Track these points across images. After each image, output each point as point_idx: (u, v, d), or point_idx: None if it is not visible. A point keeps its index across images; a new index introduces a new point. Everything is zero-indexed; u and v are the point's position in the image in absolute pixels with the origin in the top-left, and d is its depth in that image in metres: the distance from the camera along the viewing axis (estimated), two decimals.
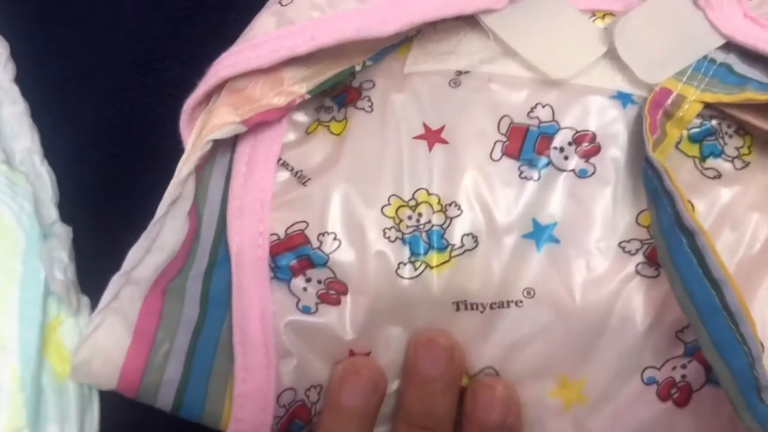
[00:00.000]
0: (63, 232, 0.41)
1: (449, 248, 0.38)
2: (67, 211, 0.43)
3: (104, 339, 0.38)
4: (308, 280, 0.38)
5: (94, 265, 0.40)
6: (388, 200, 0.39)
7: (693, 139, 0.39)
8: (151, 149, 0.45)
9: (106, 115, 0.47)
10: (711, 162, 0.39)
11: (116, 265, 0.39)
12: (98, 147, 0.47)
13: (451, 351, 0.37)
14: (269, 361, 0.38)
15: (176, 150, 0.41)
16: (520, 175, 0.39)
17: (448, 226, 0.38)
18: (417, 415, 0.38)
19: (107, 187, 0.46)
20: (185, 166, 0.38)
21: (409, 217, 0.38)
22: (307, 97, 0.40)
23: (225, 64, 0.39)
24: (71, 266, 0.41)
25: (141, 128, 0.46)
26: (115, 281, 0.38)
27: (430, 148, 0.39)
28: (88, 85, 0.48)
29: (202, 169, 0.40)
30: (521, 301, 0.38)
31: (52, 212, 0.43)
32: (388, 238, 0.38)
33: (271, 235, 0.39)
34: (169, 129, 0.42)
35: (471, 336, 0.38)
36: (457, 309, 0.38)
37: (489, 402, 0.37)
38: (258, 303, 0.38)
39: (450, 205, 0.38)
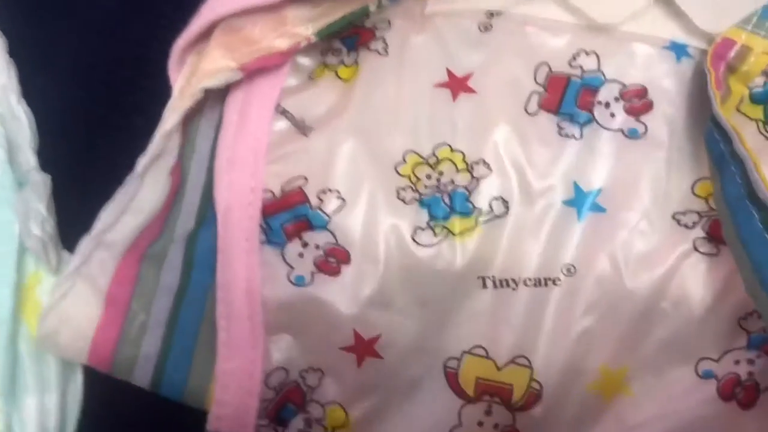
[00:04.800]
0: (40, 181, 0.34)
1: (475, 213, 0.31)
2: (46, 157, 0.36)
3: (72, 308, 0.31)
4: (305, 245, 0.31)
5: (76, 217, 0.33)
6: (404, 157, 0.31)
7: (756, 99, 0.32)
8: (140, 88, 0.37)
9: (90, 49, 0.39)
10: None
11: None
12: (82, 86, 0.39)
13: None
14: (256, 339, 0.30)
15: (170, 90, 0.34)
16: (559, 132, 0.31)
17: (475, 187, 0.31)
18: None
19: (91, 130, 0.38)
20: (170, 117, 0.31)
21: (428, 176, 0.31)
22: (314, 40, 0.33)
23: (221, 0, 0.32)
24: (50, 219, 0.34)
25: (129, 65, 0.38)
26: (85, 244, 0.31)
27: (455, 97, 0.32)
28: (71, 16, 0.39)
29: (189, 120, 0.32)
30: (559, 279, 0.30)
31: (29, 158, 0.35)
32: (403, 199, 0.31)
33: (265, 191, 0.32)
34: (161, 66, 0.34)
35: (499, 318, 0.30)
36: (484, 285, 0.31)
37: None
38: (245, 272, 0.31)
39: (477, 163, 0.31)
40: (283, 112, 0.33)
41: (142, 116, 0.35)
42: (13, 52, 0.38)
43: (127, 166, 0.32)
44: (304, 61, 0.35)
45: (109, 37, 0.39)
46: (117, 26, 0.39)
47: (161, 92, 0.34)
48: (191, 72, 0.33)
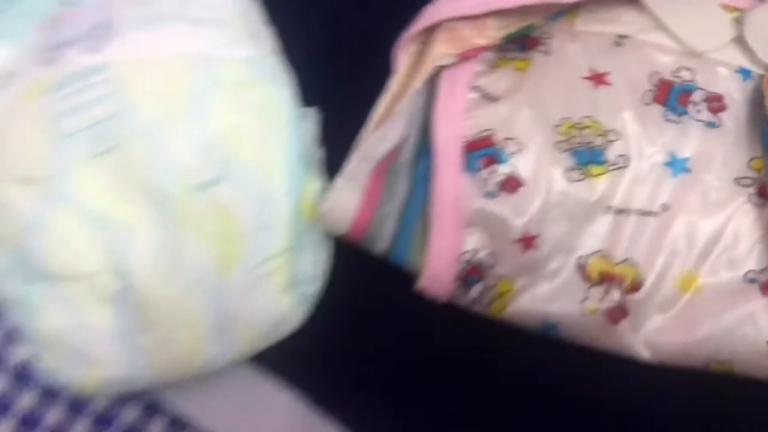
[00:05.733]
0: (315, 115, 0.49)
1: (606, 163, 0.46)
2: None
3: (342, 197, 0.45)
4: (492, 173, 0.46)
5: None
6: (560, 121, 0.46)
7: None
8: (368, 67, 0.51)
9: (330, 35, 0.54)
10: None
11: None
12: (323, 63, 0.53)
13: None
14: (456, 229, 0.45)
15: (385, 69, 0.49)
16: (664, 117, 0.47)
17: (607, 147, 0.46)
18: None
19: (331, 91, 0.51)
20: (417, 80, 0.46)
21: (575, 137, 0.46)
22: (500, 42, 0.48)
23: (446, 9, 0.48)
24: (318, 141, 0.48)
25: (361, 46, 0.53)
26: (355, 156, 0.45)
27: (596, 87, 0.47)
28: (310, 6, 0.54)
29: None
30: (657, 213, 0.45)
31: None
32: (559, 148, 0.46)
33: (466, 136, 0.46)
34: (382, 49, 0.49)
35: (616, 234, 0.45)
36: (607, 212, 0.45)
37: None
38: (452, 185, 0.45)
39: (609, 131, 0.46)
40: (474, 87, 0.49)
41: (370, 86, 0.50)
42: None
43: (356, 116, 0.47)
44: (489, 55, 0.50)
45: (344, 25, 0.54)
46: (350, 17, 0.55)
47: (382, 70, 0.49)
48: (418, 54, 0.49)
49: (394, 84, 0.48)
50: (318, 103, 0.50)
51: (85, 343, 0.44)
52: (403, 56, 0.49)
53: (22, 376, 0.47)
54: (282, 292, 0.45)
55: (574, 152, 0.46)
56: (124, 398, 0.46)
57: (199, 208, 0.44)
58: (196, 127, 0.44)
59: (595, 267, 0.45)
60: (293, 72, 0.50)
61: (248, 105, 0.46)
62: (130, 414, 0.46)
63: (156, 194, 0.44)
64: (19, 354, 0.47)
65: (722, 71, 0.48)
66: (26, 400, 0.46)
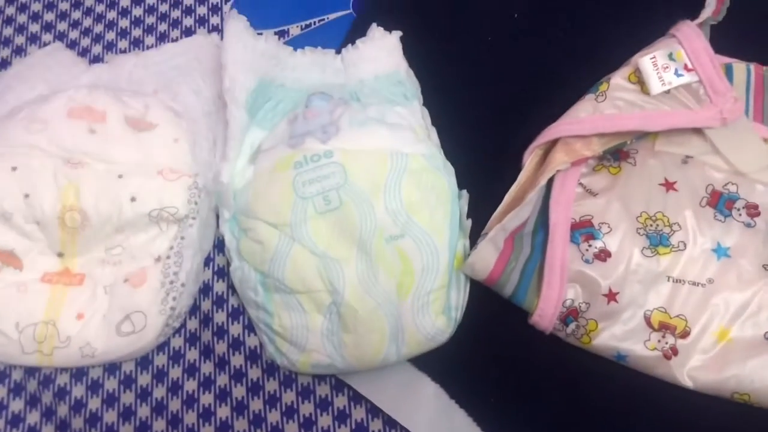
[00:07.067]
0: (466, 195, 0.68)
1: (670, 246, 0.65)
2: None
3: (483, 254, 0.64)
4: (589, 246, 0.65)
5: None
6: (640, 214, 0.66)
7: None
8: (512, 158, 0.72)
9: (479, 136, 0.75)
10: None
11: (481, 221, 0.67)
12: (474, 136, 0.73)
13: None
14: (561, 283, 0.64)
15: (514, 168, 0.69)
16: (714, 217, 0.65)
17: (671, 234, 0.65)
18: None
19: (479, 176, 0.72)
20: (541, 178, 0.65)
21: (650, 225, 0.65)
22: (600, 153, 0.67)
23: (563, 129, 0.67)
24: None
25: (502, 148, 0.73)
26: (496, 228, 0.65)
27: (667, 191, 0.66)
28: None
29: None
30: (704, 284, 0.64)
31: None
32: (638, 232, 0.65)
33: (572, 219, 0.66)
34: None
35: (673, 296, 0.64)
36: (668, 280, 0.64)
37: None
38: (561, 253, 0.65)
39: (674, 224, 0.65)
40: (580, 184, 0.68)
41: (501, 178, 0.69)
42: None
43: (491, 198, 0.67)
44: (591, 161, 0.70)
45: (484, 135, 0.75)
46: (488, 129, 0.75)
47: (510, 168, 0.69)
48: (540, 160, 0.68)
49: (522, 177, 0.68)
50: (466, 186, 0.70)
51: (304, 337, 0.65)
52: (529, 158, 0.69)
53: (253, 356, 0.68)
54: (438, 315, 0.65)
55: (649, 236, 0.65)
56: (320, 377, 0.67)
57: (388, 253, 0.64)
58: (390, 198, 0.65)
59: (657, 318, 0.64)
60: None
61: (425, 186, 0.66)
62: (323, 389, 0.67)
63: (361, 241, 0.64)
64: (251, 340, 0.68)
65: (759, 187, 0.66)
66: (254, 373, 0.67)
